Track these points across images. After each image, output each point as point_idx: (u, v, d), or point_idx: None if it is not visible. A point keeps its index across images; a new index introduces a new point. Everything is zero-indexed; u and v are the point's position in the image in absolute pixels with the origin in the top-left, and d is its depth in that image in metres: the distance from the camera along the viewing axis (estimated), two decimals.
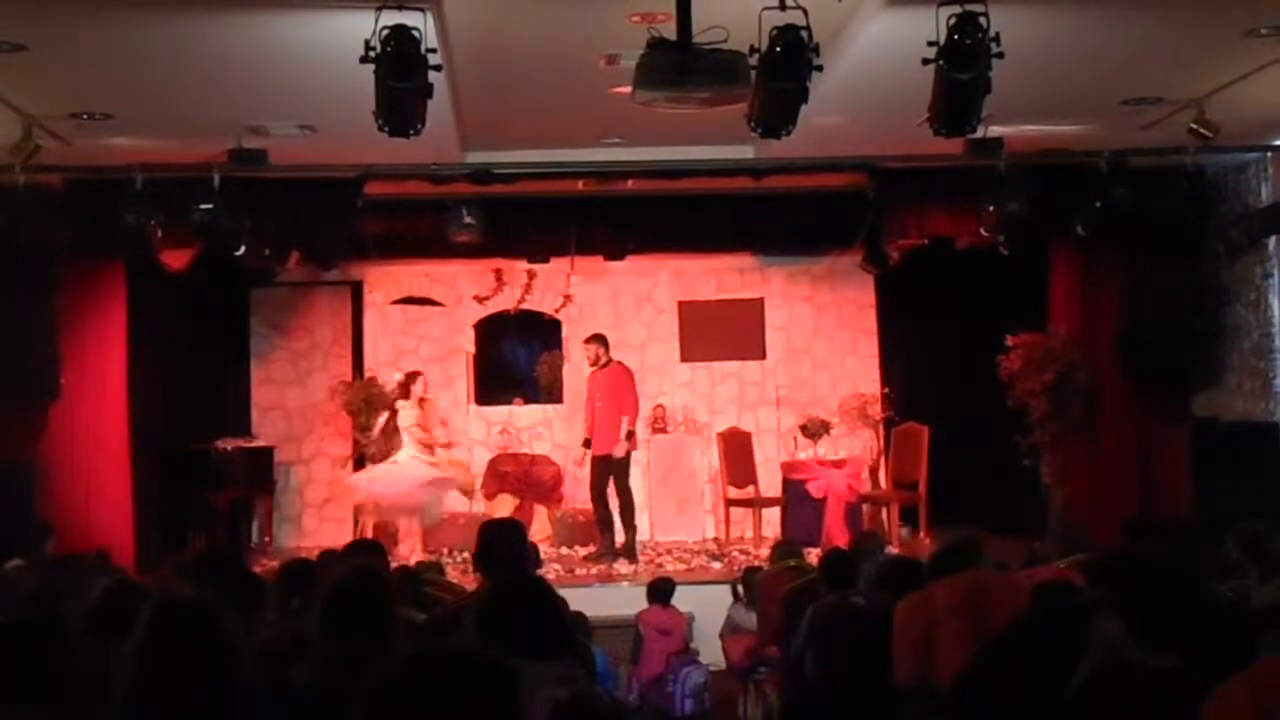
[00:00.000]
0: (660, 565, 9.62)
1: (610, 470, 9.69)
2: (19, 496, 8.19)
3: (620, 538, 9.77)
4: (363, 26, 4.98)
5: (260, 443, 11.23)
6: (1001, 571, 5.27)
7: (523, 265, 11.42)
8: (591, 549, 10.01)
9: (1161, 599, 3.06)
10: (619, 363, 10.00)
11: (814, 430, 10.92)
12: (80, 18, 5.55)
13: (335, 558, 5.93)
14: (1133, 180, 8.32)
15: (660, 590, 7.72)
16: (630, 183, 9.33)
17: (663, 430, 11.45)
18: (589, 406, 9.91)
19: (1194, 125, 7.33)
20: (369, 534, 10.34)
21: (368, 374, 11.22)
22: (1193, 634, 3.01)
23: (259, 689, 3.07)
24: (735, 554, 9.98)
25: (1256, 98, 7.13)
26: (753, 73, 5.04)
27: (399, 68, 5.02)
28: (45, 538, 7.69)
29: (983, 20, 4.94)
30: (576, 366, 11.61)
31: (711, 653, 7.69)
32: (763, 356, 11.79)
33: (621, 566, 9.58)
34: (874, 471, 11.22)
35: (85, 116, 7.07)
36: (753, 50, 4.98)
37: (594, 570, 9.49)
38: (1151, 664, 2.94)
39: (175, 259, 8.83)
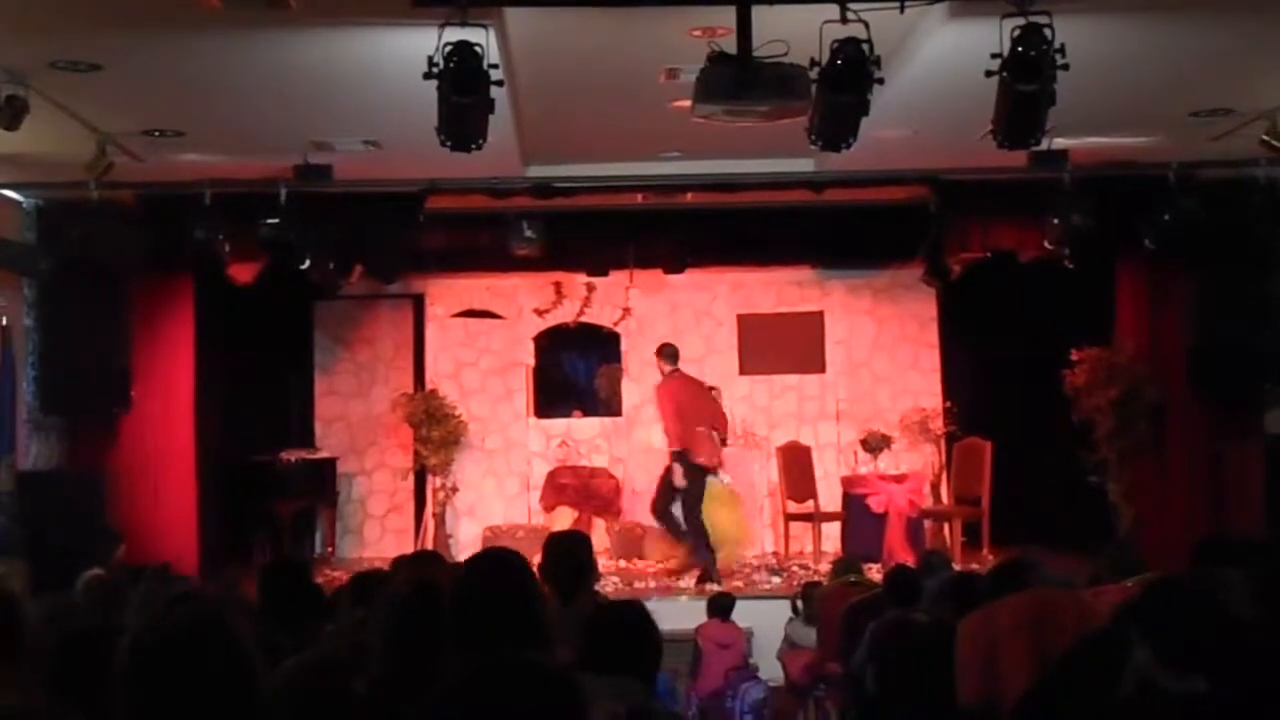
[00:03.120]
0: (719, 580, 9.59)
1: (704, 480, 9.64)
2: (91, 506, 8.37)
3: (704, 556, 9.61)
4: (426, 43, 5.03)
5: (323, 454, 11.36)
6: (1066, 590, 5.19)
7: (582, 278, 11.46)
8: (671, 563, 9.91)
9: (1188, 624, 3.01)
10: (676, 373, 9.92)
11: (874, 444, 10.83)
12: (153, 38, 5.68)
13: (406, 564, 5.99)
14: (1202, 192, 8.18)
15: (720, 605, 7.70)
16: (690, 196, 9.34)
17: (722, 444, 11.40)
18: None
19: (1265, 137, 7.20)
20: (430, 545, 10.43)
21: (429, 386, 11.32)
22: (1220, 659, 2.95)
23: (320, 698, 3.10)
24: (795, 569, 9.93)
25: None
26: (813, 86, 5.02)
27: (461, 83, 5.06)
28: (114, 546, 7.85)
29: (1047, 31, 4.89)
30: (635, 379, 11.63)
31: (771, 668, 7.64)
32: (823, 370, 11.72)
33: (681, 580, 9.58)
34: (935, 487, 11.10)
35: (157, 134, 7.22)
36: (813, 63, 4.97)
37: (653, 584, 9.48)
38: (1179, 690, 2.89)
39: (242, 273, 8.99)
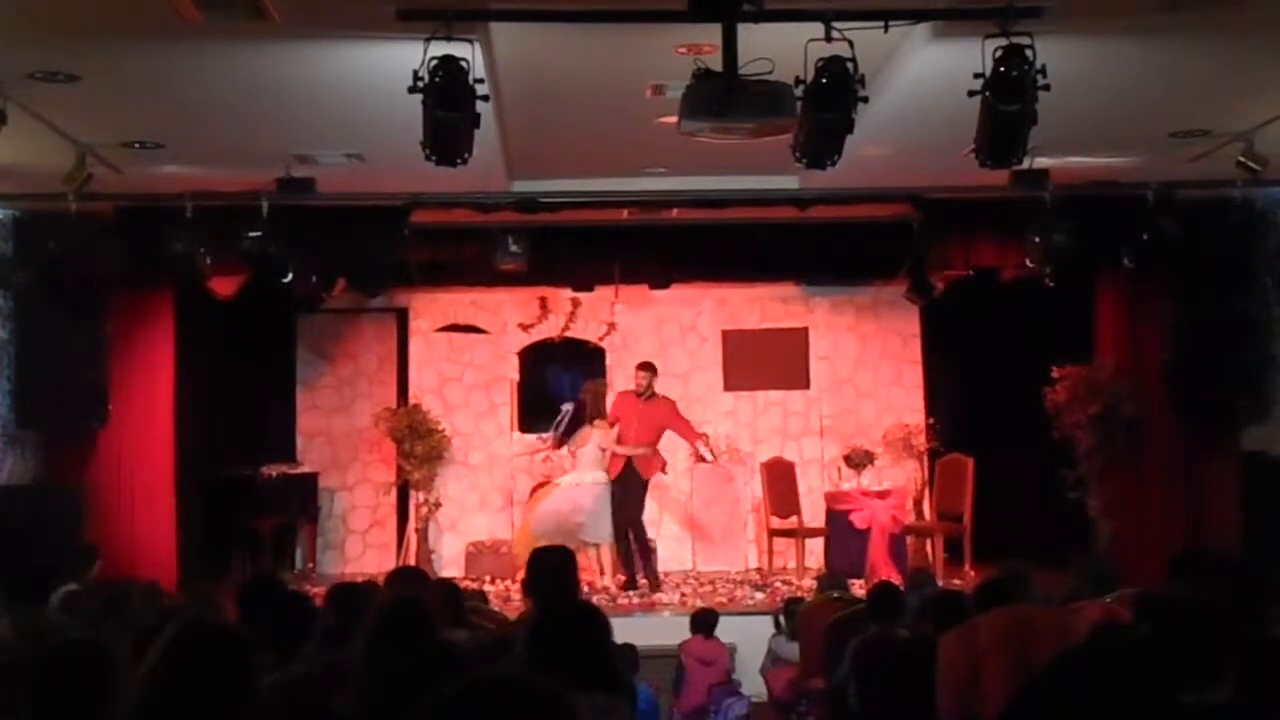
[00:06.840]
0: (702, 595, 9.58)
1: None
2: (67, 521, 8.29)
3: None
4: (411, 57, 5.03)
5: (305, 469, 11.30)
6: (1047, 606, 5.20)
7: (567, 293, 11.46)
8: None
9: (1210, 637, 3.02)
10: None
11: (858, 460, 10.85)
12: (133, 49, 5.65)
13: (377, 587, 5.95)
14: (1180, 212, 8.24)
15: (703, 621, 7.69)
16: (675, 212, 9.36)
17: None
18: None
19: (1242, 158, 7.27)
20: (412, 561, 10.38)
21: (412, 400, 11.28)
22: (1242, 670, 2.97)
23: (301, 715, 3.08)
24: (778, 584, 9.93)
25: None
26: (798, 103, 5.04)
27: (447, 98, 5.06)
28: (91, 562, 7.78)
29: (1029, 52, 4.92)
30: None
31: (754, 684, 7.63)
32: (806, 386, 11.74)
33: (664, 595, 9.56)
34: (918, 503, 11.12)
35: (137, 145, 7.18)
36: (798, 81, 4.99)
37: (636, 599, 9.46)
38: (1199, 702, 2.90)
39: (223, 286, 8.94)
